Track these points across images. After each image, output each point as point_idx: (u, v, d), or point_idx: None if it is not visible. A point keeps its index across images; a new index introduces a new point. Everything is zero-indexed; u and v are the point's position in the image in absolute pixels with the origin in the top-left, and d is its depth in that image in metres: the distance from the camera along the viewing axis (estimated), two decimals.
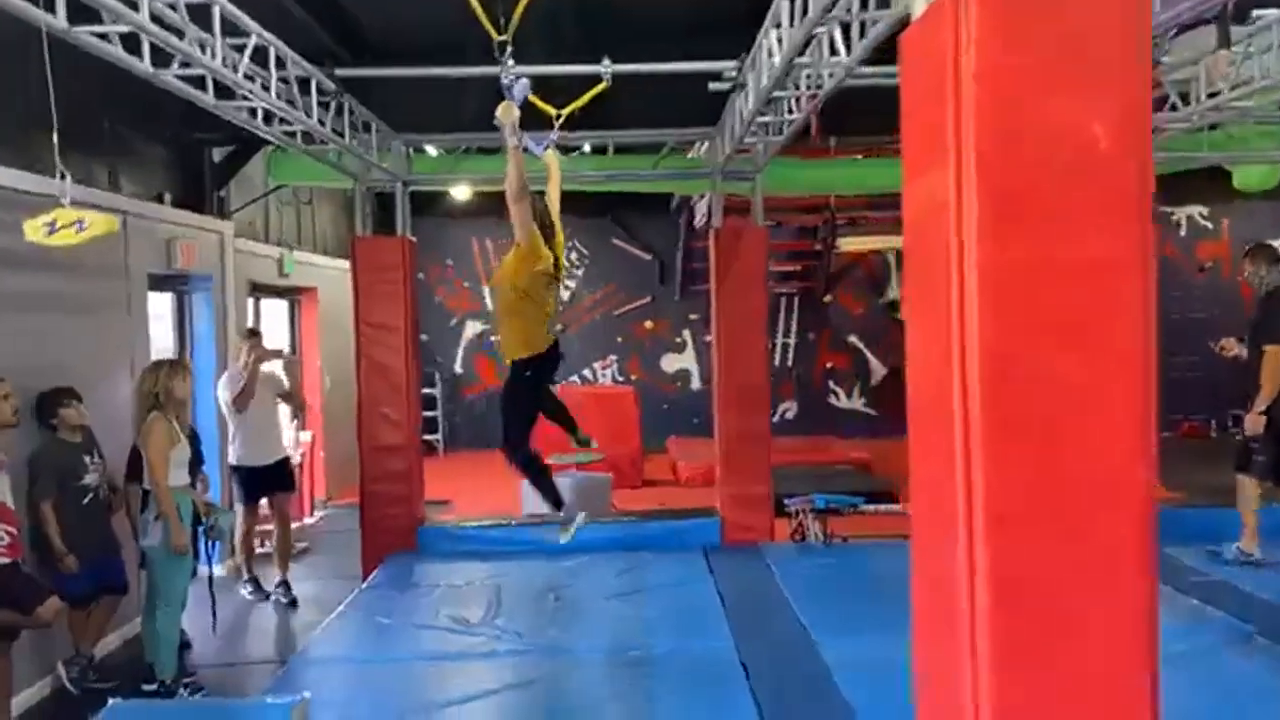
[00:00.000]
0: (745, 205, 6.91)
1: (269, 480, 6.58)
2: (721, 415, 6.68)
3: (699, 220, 10.28)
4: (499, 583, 5.72)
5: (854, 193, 10.03)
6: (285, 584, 6.68)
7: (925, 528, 2.07)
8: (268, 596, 6.58)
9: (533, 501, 7.84)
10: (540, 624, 4.97)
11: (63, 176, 3.31)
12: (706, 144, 7.41)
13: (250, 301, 8.60)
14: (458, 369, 13.81)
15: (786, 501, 6.95)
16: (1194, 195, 13.25)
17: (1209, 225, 13.77)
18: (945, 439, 1.88)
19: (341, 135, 5.59)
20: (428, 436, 13.34)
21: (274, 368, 6.69)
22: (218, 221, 7.44)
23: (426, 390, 13.36)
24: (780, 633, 4.85)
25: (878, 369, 14.03)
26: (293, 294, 9.69)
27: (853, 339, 13.82)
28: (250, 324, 7.51)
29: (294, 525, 8.24)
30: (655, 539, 6.60)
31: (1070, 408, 1.82)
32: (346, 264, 6.84)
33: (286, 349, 7.75)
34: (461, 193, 12.12)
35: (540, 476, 4.93)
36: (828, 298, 13.73)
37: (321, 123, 5.19)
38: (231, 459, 6.56)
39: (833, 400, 13.97)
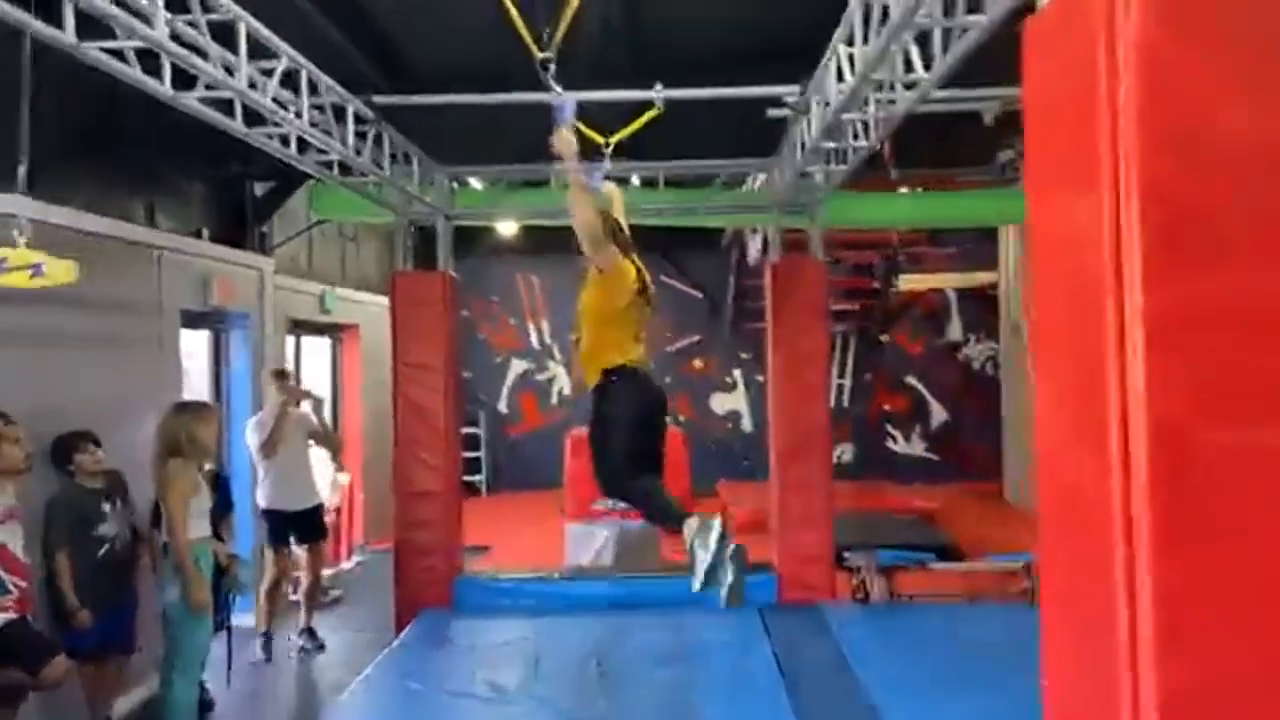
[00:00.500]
0: (802, 241, 6.53)
1: (300, 526, 6.34)
2: (778, 461, 6.24)
3: (752, 256, 9.90)
4: (539, 644, 5.32)
5: (918, 227, 9.58)
6: (310, 631, 6.38)
7: (1068, 649, 1.63)
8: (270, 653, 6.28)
9: (576, 550, 7.46)
10: (583, 696, 4.55)
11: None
12: (763, 176, 7.06)
13: (290, 340, 8.39)
14: (502, 408, 13.52)
15: (846, 555, 6.47)
16: None
17: None
18: (1097, 540, 1.46)
19: (381, 167, 5.33)
20: (470, 477, 13.07)
21: (305, 408, 6.49)
22: (258, 257, 7.24)
23: (469, 429, 13.11)
24: (845, 708, 4.37)
25: (938, 412, 13.44)
26: (334, 332, 9.48)
27: (911, 380, 13.27)
28: (281, 364, 7.31)
29: (329, 571, 7.97)
30: (709, 597, 6.13)
31: (1271, 497, 1.38)
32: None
33: (315, 389, 7.54)
34: (508, 228, 11.91)
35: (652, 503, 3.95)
36: (884, 337, 13.22)
37: (358, 153, 4.92)
38: (261, 502, 6.29)
39: (890, 444, 13.40)
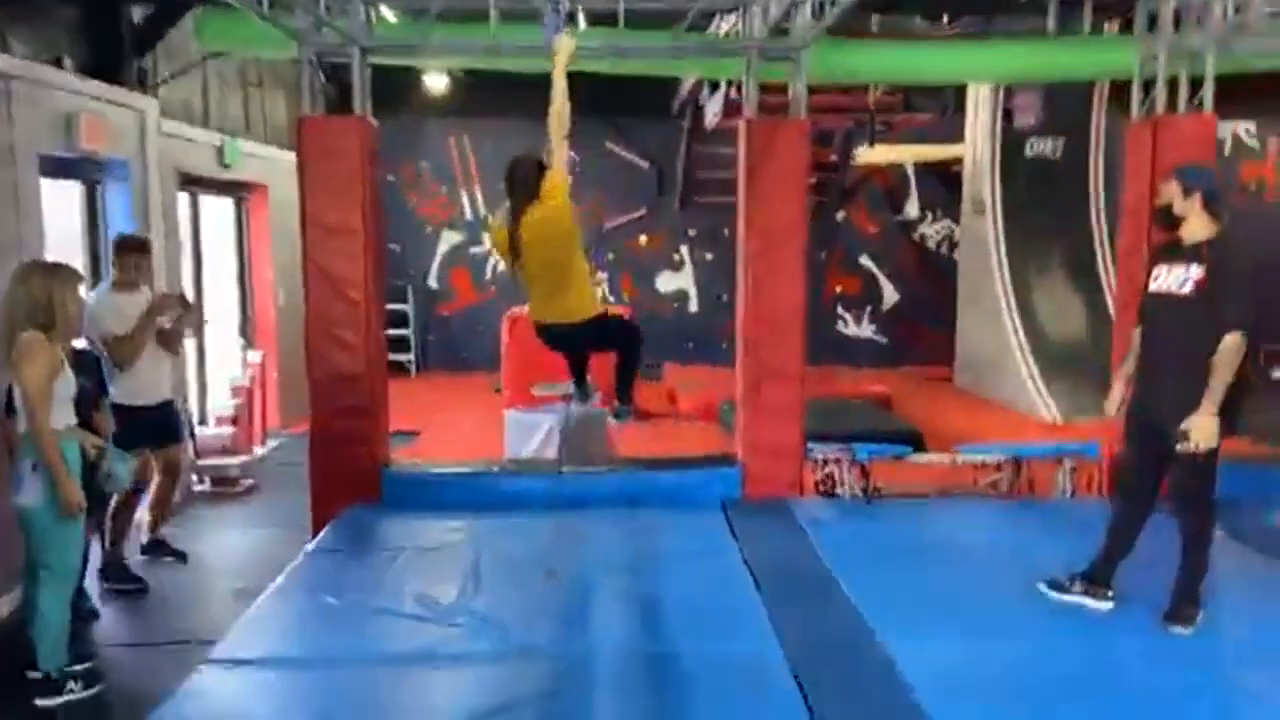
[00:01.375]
0: (771, 103, 5.65)
1: (151, 425, 5.18)
2: (745, 347, 5.56)
3: (710, 120, 8.99)
4: (477, 549, 4.66)
5: (899, 87, 8.66)
6: (159, 543, 5.57)
7: None
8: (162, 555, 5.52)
9: (516, 441, 6.77)
10: (529, 612, 3.92)
11: None
12: (734, 18, 6.14)
13: (185, 197, 7.32)
14: (432, 283, 12.58)
15: (811, 447, 5.90)
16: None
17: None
18: None
19: None
20: (398, 356, 12.20)
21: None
22: (137, 96, 6.12)
23: (397, 306, 12.19)
24: (832, 625, 3.83)
25: (890, 294, 12.94)
26: (239, 191, 8.38)
27: (865, 260, 12.68)
28: (138, 229, 5.88)
29: (242, 459, 7.17)
30: (665, 492, 5.54)
31: None
32: None
33: (190, 294, 6.29)
34: (436, 81, 10.76)
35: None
36: (840, 215, 12.53)
37: None
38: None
39: (841, 327, 12.90)
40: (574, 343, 4.55)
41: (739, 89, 7.85)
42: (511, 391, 9.22)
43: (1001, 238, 10.32)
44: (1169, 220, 3.72)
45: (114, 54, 6.02)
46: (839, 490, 5.88)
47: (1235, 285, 3.53)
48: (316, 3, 4.98)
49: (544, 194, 4.07)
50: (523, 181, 4.10)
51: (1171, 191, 3.70)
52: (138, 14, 6.22)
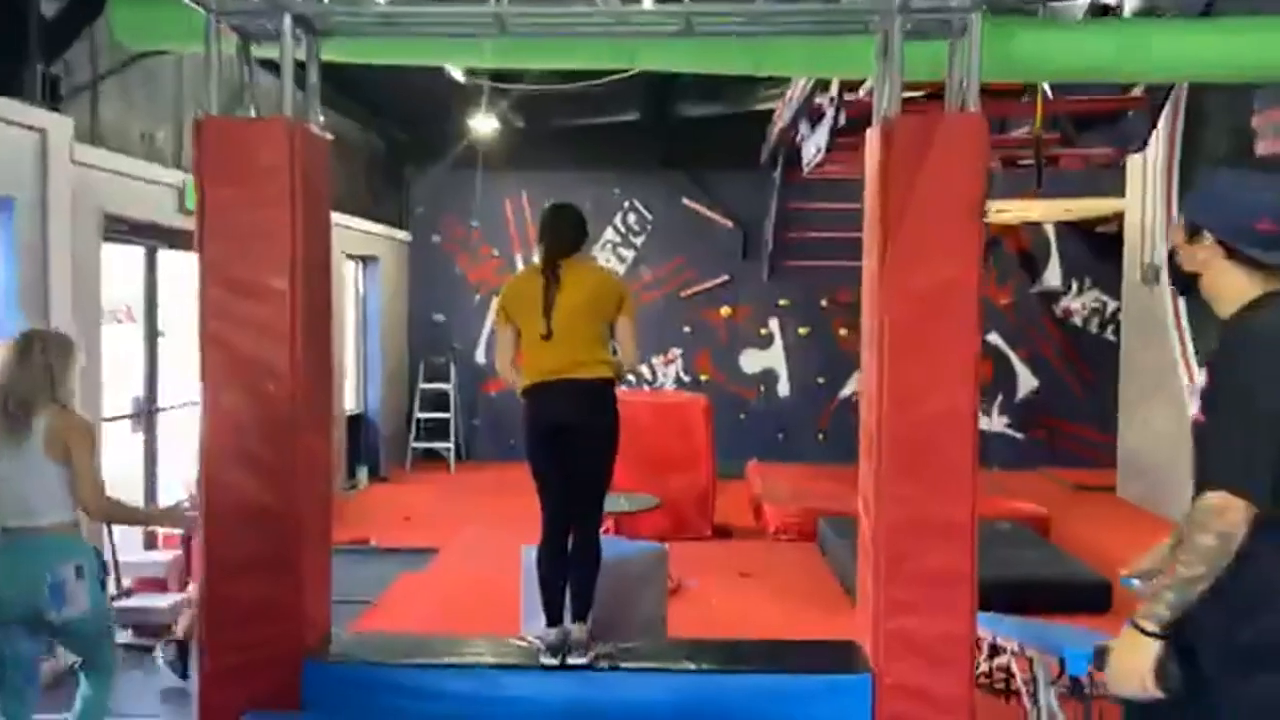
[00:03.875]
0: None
1: None
2: (879, 475, 3.50)
3: (810, 160, 7.06)
4: None
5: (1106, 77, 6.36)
6: None
7: None
8: None
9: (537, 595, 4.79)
10: None
11: None
12: None
13: (130, 252, 5.72)
14: (480, 359, 10.85)
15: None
16: None
17: None
18: None
19: None
20: (436, 445, 10.48)
21: None
22: (36, 111, 4.51)
23: (438, 385, 10.50)
24: None
25: (1026, 379, 10.67)
26: None
27: (995, 339, 10.46)
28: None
29: (177, 599, 5.36)
30: (742, 706, 3.48)
31: None
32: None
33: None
34: (484, 125, 9.14)
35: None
36: None
37: None
38: None
39: None
40: (566, 418, 3.65)
41: (845, 108, 6.01)
42: None
43: (1184, 314, 8.07)
44: (1178, 280, 2.19)
45: (9, 56, 4.45)
46: (1022, 696, 3.77)
47: (1236, 403, 1.96)
48: None
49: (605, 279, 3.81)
50: (564, 231, 3.70)
51: (1174, 233, 2.19)
52: (50, 7, 4.67)
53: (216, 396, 3.45)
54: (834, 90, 5.96)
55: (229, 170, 3.46)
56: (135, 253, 5.91)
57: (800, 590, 6.08)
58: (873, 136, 3.55)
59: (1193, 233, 2.09)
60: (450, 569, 6.42)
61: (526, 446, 3.72)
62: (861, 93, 4.94)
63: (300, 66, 3.72)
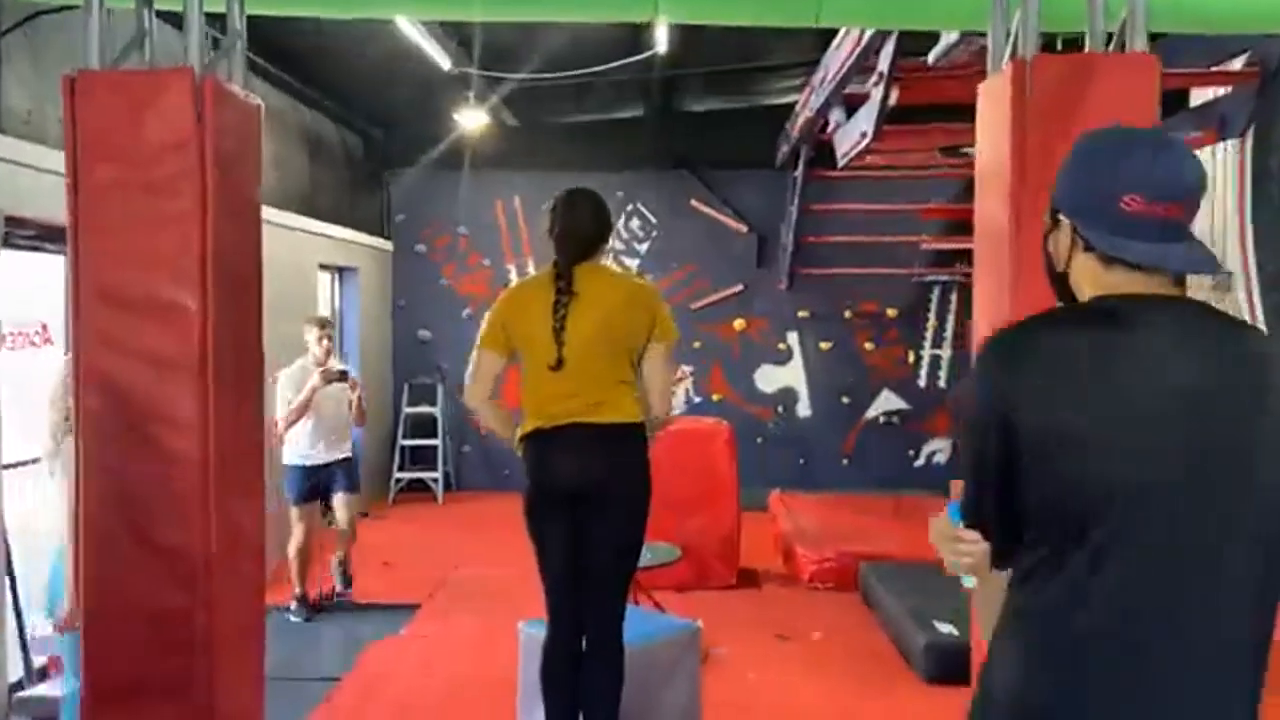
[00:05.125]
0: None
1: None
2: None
3: (847, 152, 6.12)
4: None
5: None
6: None
7: None
8: None
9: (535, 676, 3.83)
10: None
11: None
12: None
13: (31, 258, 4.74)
14: (470, 379, 9.85)
15: None
16: None
17: None
18: None
19: None
20: (423, 475, 9.49)
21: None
22: None
23: (424, 409, 9.52)
24: None
25: None
26: None
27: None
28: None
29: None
30: None
31: None
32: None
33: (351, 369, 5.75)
34: (474, 120, 8.21)
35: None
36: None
37: None
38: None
39: None
40: (582, 480, 2.78)
41: (901, 85, 5.10)
42: None
43: (1260, 319, 7.14)
44: (1053, 285, 1.50)
45: None
46: None
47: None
48: None
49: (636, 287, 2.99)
50: (582, 226, 2.88)
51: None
52: None
53: (95, 456, 2.49)
54: (883, 64, 5.04)
55: (113, 141, 2.52)
56: (55, 262, 4.94)
57: (850, 656, 5.13)
58: (998, 84, 2.60)
59: (1053, 214, 1.45)
60: (431, 635, 5.43)
61: (527, 514, 2.81)
62: (932, 57, 4.03)
63: (218, 19, 2.79)
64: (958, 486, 1.48)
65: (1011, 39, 2.55)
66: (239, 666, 2.69)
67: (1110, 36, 2.62)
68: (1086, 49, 2.63)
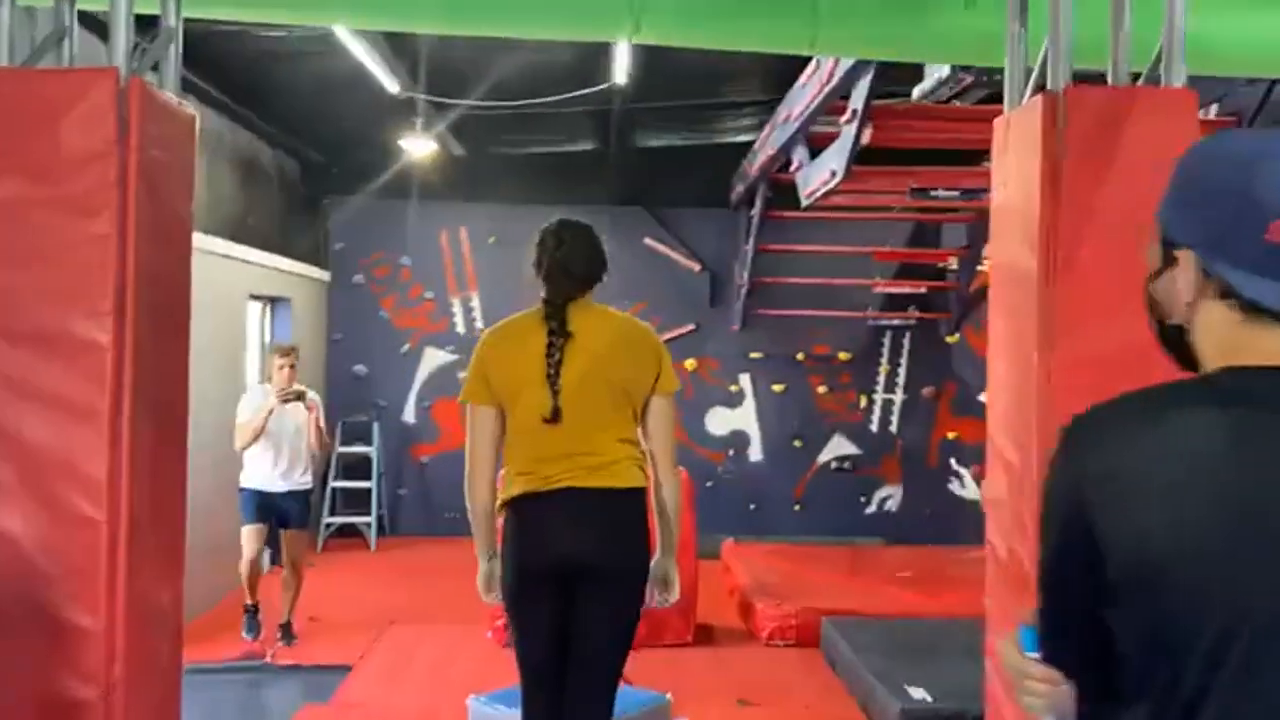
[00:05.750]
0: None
1: None
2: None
3: (813, 190, 5.94)
4: None
5: None
6: None
7: None
8: None
9: None
10: None
11: None
12: None
13: None
14: (408, 418, 9.43)
15: None
16: None
17: None
18: None
19: None
20: (355, 519, 8.97)
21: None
22: None
23: (358, 449, 9.04)
24: None
25: None
26: None
27: (985, 399, 9.45)
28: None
29: None
30: None
31: None
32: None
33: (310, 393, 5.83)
34: (420, 147, 7.87)
35: None
36: (953, 336, 9.41)
37: None
38: None
39: (954, 487, 9.59)
40: (579, 554, 2.45)
41: (872, 126, 4.95)
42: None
43: None
44: (1164, 341, 1.14)
45: None
46: None
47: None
48: None
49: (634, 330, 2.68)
50: (576, 262, 2.57)
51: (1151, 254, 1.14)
52: None
53: None
54: (857, 102, 4.88)
55: (20, 150, 2.14)
56: None
57: None
58: (1025, 117, 2.39)
59: (1165, 249, 1.11)
60: (365, 706, 4.96)
61: (507, 594, 2.48)
62: (917, 93, 3.86)
63: (149, 21, 2.45)
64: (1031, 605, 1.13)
65: (1038, 69, 2.36)
66: None
67: (1136, 76, 2.44)
68: (1110, 84, 2.44)
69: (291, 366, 5.69)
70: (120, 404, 2.13)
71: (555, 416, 2.40)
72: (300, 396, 5.62)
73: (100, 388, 2.13)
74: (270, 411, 5.44)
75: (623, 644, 2.50)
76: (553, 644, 2.41)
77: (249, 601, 5.77)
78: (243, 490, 5.67)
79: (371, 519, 8.84)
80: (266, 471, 5.62)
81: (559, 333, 2.46)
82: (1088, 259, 2.19)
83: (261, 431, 5.45)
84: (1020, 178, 2.35)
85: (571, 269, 2.54)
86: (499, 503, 2.52)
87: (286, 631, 5.91)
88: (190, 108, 2.50)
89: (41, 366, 2.10)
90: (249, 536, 5.66)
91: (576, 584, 2.40)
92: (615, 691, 2.52)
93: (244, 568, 5.67)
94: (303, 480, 5.79)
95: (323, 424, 5.91)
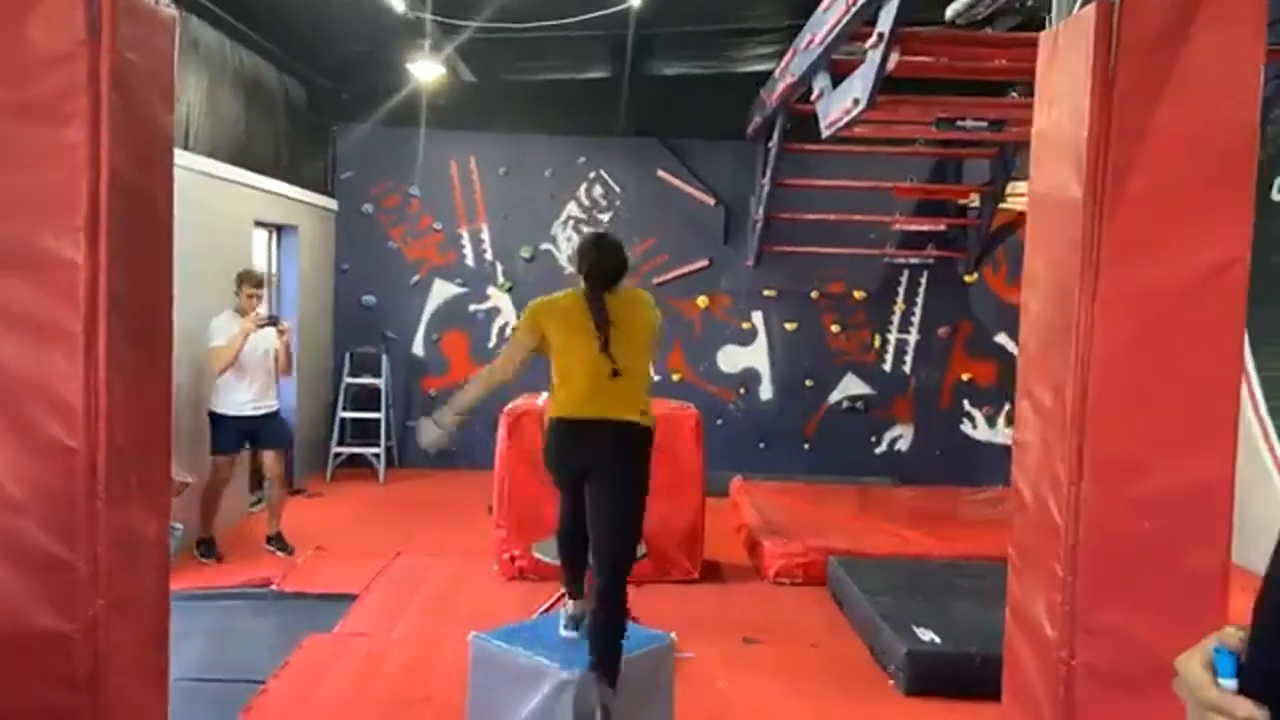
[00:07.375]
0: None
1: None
2: (1077, 592, 2.17)
3: (834, 120, 5.69)
4: None
5: None
6: None
7: None
8: None
9: (490, 705, 3.41)
10: None
11: None
12: None
13: None
14: (417, 350, 9.32)
15: None
16: None
17: None
18: None
19: None
20: (364, 450, 8.94)
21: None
22: None
23: (368, 380, 8.96)
24: None
25: None
26: None
27: (1003, 340, 9.28)
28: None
29: None
30: None
31: None
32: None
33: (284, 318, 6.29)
34: (429, 71, 7.61)
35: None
36: (971, 276, 9.19)
37: None
38: None
39: (967, 428, 9.47)
40: (601, 462, 3.44)
41: (900, 47, 4.71)
42: (507, 529, 6.06)
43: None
44: None
45: None
46: None
47: None
48: None
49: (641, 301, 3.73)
50: (609, 267, 3.57)
51: None
52: None
53: None
54: (884, 25, 4.62)
55: None
56: None
57: (823, 663, 4.78)
58: (1075, 30, 2.18)
59: None
60: (369, 635, 4.93)
61: (546, 454, 3.55)
62: (950, 12, 3.61)
63: None
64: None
65: None
66: (133, 701, 2.21)
67: None
68: None
69: (260, 298, 5.88)
70: (95, 325, 2.00)
71: (618, 374, 3.38)
72: (274, 321, 5.86)
73: (73, 308, 2.00)
74: (247, 335, 5.60)
75: (636, 509, 3.48)
76: (580, 506, 3.47)
77: (202, 534, 5.85)
78: (219, 417, 5.75)
79: (380, 450, 8.79)
80: (241, 397, 5.75)
81: (603, 325, 3.38)
82: (1139, 187, 2.01)
83: (238, 355, 5.65)
84: (1068, 98, 2.16)
85: (607, 273, 3.52)
86: (551, 417, 3.47)
87: (282, 543, 6.11)
88: (171, 8, 2.32)
89: (9, 286, 1.97)
90: (220, 466, 5.79)
91: (599, 471, 3.41)
92: (635, 534, 3.49)
93: (201, 493, 5.73)
94: (271, 403, 5.96)
95: (293, 349, 6.18)
